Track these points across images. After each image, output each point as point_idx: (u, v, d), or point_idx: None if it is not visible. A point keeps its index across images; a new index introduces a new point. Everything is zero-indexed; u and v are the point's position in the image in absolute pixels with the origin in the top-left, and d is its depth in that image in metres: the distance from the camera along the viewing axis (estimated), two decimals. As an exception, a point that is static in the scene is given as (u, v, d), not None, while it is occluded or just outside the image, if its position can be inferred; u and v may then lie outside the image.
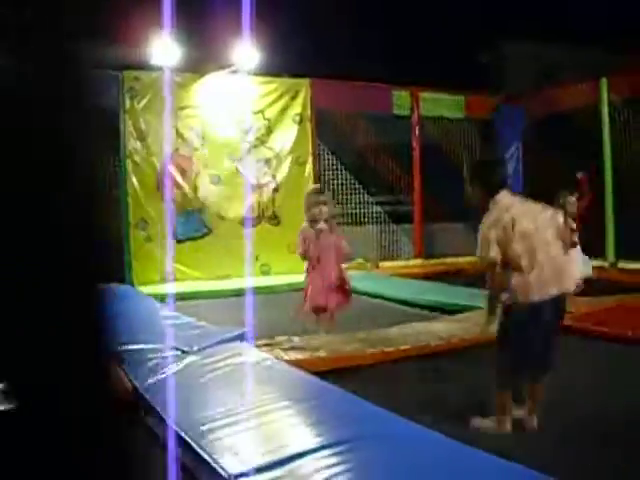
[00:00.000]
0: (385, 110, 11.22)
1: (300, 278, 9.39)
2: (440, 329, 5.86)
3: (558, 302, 3.81)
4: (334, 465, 2.72)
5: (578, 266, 7.18)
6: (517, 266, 3.69)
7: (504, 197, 3.80)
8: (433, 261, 11.08)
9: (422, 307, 7.33)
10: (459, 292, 7.65)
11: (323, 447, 2.90)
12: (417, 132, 11.37)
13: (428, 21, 10.57)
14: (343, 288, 5.94)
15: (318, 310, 5.84)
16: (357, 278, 9.43)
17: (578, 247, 7.08)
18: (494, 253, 3.70)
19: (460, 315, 6.42)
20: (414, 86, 11.10)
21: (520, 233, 3.70)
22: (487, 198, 3.82)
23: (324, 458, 2.79)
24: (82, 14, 1.44)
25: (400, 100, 11.21)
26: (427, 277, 9.47)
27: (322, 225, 5.92)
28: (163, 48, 8.42)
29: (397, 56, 10.32)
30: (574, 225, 6.81)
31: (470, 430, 3.62)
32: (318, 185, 7.35)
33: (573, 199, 6.93)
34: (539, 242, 3.75)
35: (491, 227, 3.71)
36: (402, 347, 5.27)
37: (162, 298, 7.37)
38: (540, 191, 4.64)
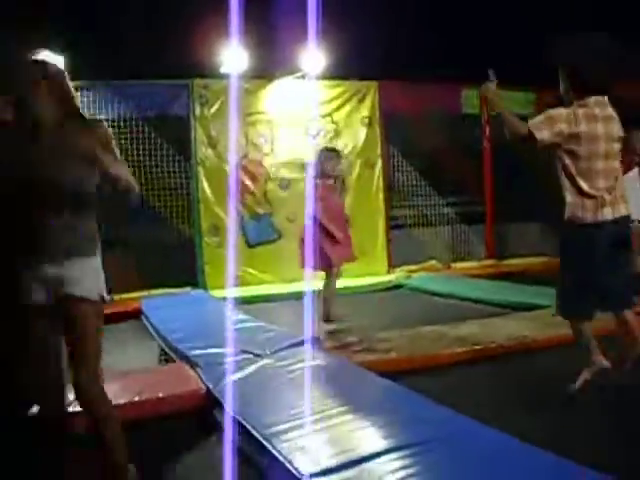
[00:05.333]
0: (454, 109, 11.10)
1: (371, 280, 9.47)
2: (512, 328, 5.76)
3: (618, 228, 3.52)
4: (405, 467, 2.71)
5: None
6: (573, 182, 3.40)
7: (597, 104, 3.54)
8: (505, 262, 10.91)
9: (493, 305, 7.25)
10: (530, 291, 7.53)
11: (394, 449, 2.89)
12: (487, 131, 11.23)
13: (496, 17, 10.43)
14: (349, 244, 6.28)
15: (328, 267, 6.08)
16: (429, 279, 9.40)
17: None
18: (544, 137, 3.44)
19: (531, 313, 6.34)
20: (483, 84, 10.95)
21: (587, 152, 3.39)
22: (578, 94, 3.55)
23: (395, 460, 2.79)
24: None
25: (469, 99, 11.07)
26: (499, 277, 9.33)
27: (331, 181, 6.12)
28: (232, 55, 8.52)
29: (465, 54, 10.19)
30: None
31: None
32: (332, 146, 7.42)
33: None
34: (604, 166, 3.50)
35: (565, 123, 3.41)
36: (475, 347, 5.20)
37: (234, 302, 7.46)
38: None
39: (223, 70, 8.82)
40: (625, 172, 7.10)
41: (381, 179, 10.38)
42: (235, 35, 7.35)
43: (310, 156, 9.62)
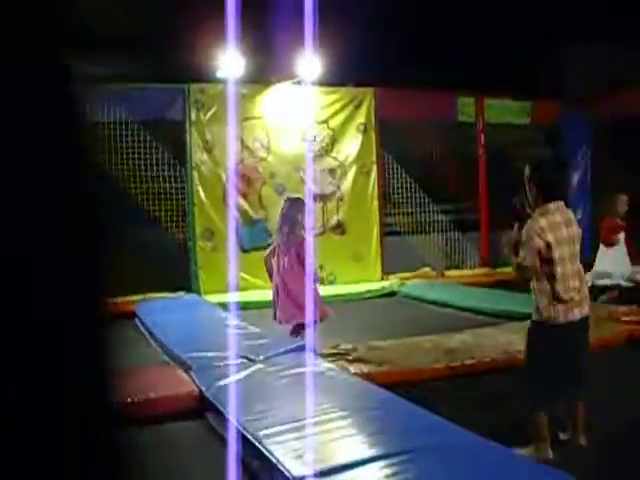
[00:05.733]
0: (450, 117, 11.14)
1: (367, 287, 9.48)
2: (505, 340, 5.76)
3: (583, 326, 3.79)
4: (396, 474, 2.72)
5: (621, 266, 7.14)
6: (550, 286, 3.67)
7: (557, 210, 3.78)
8: (499, 270, 10.92)
9: (487, 314, 7.25)
10: (524, 300, 7.52)
11: (384, 456, 2.90)
12: (482, 139, 11.25)
13: (492, 27, 10.46)
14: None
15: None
16: (422, 287, 9.41)
17: (624, 247, 7.00)
18: (529, 262, 3.70)
19: (524, 323, 6.33)
20: (479, 92, 11.00)
21: (559, 258, 3.69)
22: (540, 201, 3.79)
23: (385, 467, 2.79)
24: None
25: (465, 107, 11.11)
26: (493, 286, 9.34)
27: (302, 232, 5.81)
28: (228, 60, 8.53)
29: (461, 62, 10.22)
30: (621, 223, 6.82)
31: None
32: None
33: (624, 198, 6.89)
34: (571, 269, 3.76)
35: (536, 236, 3.69)
36: (467, 362, 5.21)
37: (228, 307, 7.46)
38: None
39: (219, 75, 8.83)
40: (607, 236, 7.30)
41: (376, 186, 10.39)
42: (232, 40, 7.36)
43: (306, 162, 9.66)
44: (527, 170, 3.94)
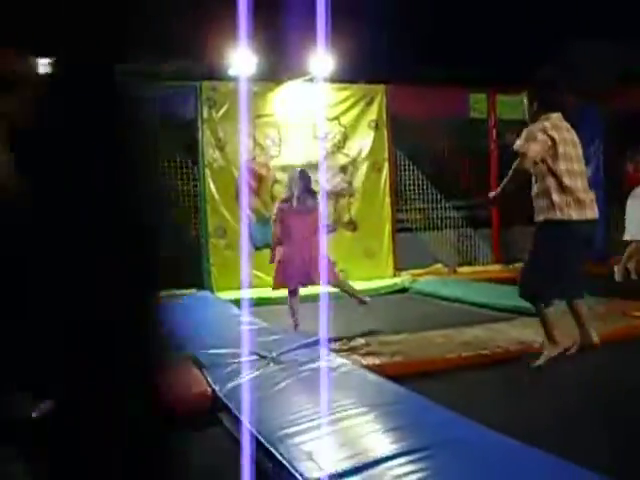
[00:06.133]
0: (461, 114, 11.12)
1: (379, 283, 9.48)
2: (518, 333, 5.76)
3: (591, 228, 3.98)
4: (412, 472, 2.71)
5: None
6: (559, 182, 3.75)
7: (558, 118, 3.98)
8: (512, 266, 10.89)
9: (500, 310, 7.24)
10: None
11: (401, 454, 2.89)
12: (494, 135, 11.23)
13: (503, 22, 10.43)
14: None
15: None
16: (435, 283, 9.41)
17: None
18: (536, 150, 3.78)
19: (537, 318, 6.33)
20: (491, 88, 10.97)
21: (564, 154, 3.78)
22: (542, 113, 3.92)
23: (402, 465, 2.79)
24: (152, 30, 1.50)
25: (477, 103, 11.08)
26: (505, 282, 9.31)
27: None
28: (240, 58, 8.55)
29: (473, 59, 10.20)
30: None
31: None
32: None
33: None
34: (578, 168, 3.94)
35: (540, 132, 3.78)
36: (481, 352, 5.22)
37: (240, 304, 7.48)
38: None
39: (231, 72, 8.85)
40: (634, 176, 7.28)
41: (388, 182, 10.39)
42: (244, 38, 7.36)
43: (318, 159, 9.67)
44: (526, 94, 4.11)
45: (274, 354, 4.88)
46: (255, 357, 4.83)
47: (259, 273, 9.22)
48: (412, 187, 10.89)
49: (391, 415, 3.49)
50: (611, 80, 10.67)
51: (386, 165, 10.39)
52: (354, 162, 10.17)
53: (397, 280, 9.82)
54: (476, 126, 11.43)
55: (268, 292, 8.82)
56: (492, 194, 4.36)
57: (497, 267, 10.94)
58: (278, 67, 9.49)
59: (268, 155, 9.65)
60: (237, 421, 3.66)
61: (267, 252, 9.45)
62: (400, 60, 9.92)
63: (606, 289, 7.42)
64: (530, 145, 3.77)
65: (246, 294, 8.11)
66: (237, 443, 3.49)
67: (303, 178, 6.42)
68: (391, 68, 10.01)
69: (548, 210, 3.87)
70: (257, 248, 9.44)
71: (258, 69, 8.81)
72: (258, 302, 8.00)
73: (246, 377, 4.37)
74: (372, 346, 5.46)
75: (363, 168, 10.24)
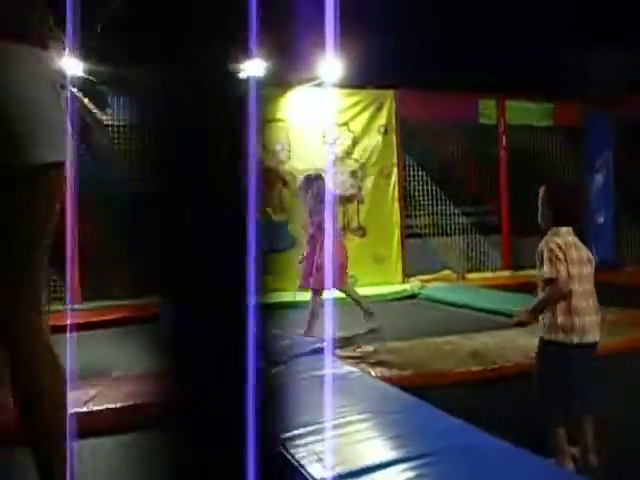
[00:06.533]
0: (471, 119, 11.10)
1: (388, 289, 9.45)
2: (526, 342, 5.72)
3: (592, 351, 3.80)
4: (416, 478, 2.70)
5: None
6: (568, 303, 3.69)
7: (569, 234, 3.85)
8: (521, 272, 10.85)
9: (509, 317, 7.19)
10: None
11: (406, 459, 2.88)
12: (504, 141, 11.20)
13: (514, 29, 10.41)
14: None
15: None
16: (444, 289, 9.38)
17: None
18: (565, 272, 3.73)
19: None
20: (500, 94, 10.95)
21: (577, 275, 3.75)
22: (551, 224, 3.85)
23: (406, 470, 2.77)
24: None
25: (486, 109, 11.07)
26: (515, 289, 9.28)
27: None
28: (249, 63, 8.54)
29: (483, 64, 10.18)
30: None
31: None
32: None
33: None
34: (590, 288, 3.83)
35: (559, 248, 3.74)
36: (490, 367, 5.17)
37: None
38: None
39: (240, 77, 8.85)
40: None
41: (397, 188, 10.38)
42: (253, 42, 7.37)
43: (327, 165, 9.67)
44: (541, 193, 4.03)
45: (282, 359, 4.85)
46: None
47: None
48: (421, 193, 10.86)
49: (397, 421, 3.47)
50: (621, 88, 10.64)
51: (395, 171, 10.38)
52: (363, 167, 10.17)
53: (406, 286, 9.79)
54: (485, 132, 11.40)
55: (274, 296, 8.84)
56: (524, 318, 4.22)
57: (506, 274, 10.90)
58: (287, 72, 9.49)
59: (277, 160, 9.65)
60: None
61: (275, 256, 9.49)
62: (409, 65, 9.90)
63: (619, 298, 7.36)
64: (560, 267, 3.77)
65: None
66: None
67: (308, 184, 6.42)
68: (400, 73, 9.99)
69: (551, 330, 3.85)
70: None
71: (267, 74, 8.80)
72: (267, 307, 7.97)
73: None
74: (379, 354, 5.43)
75: (372, 174, 10.23)
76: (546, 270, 3.78)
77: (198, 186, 1.35)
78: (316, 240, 6.27)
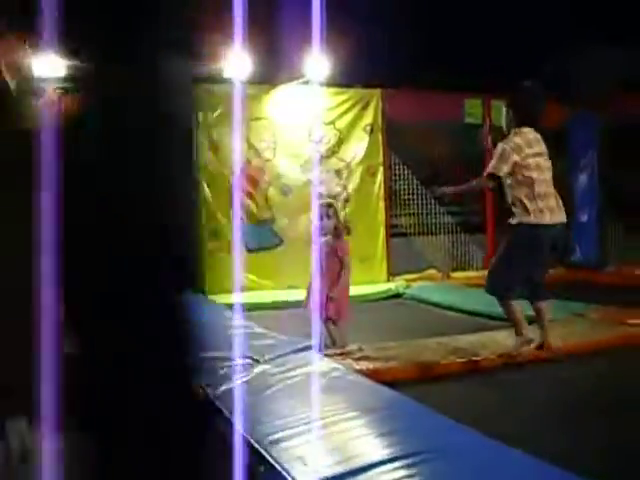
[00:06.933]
0: (456, 119, 11.12)
1: (373, 288, 9.45)
2: (511, 342, 5.74)
3: (560, 231, 4.40)
4: (405, 477, 2.69)
5: None
6: (530, 190, 4.33)
7: (530, 132, 4.38)
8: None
9: (493, 318, 7.21)
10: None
11: (393, 459, 2.87)
12: (489, 141, 11.22)
13: (499, 27, 10.44)
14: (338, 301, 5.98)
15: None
16: (428, 289, 9.39)
17: None
18: (505, 171, 4.14)
19: (530, 326, 6.32)
20: (486, 94, 10.97)
21: (536, 165, 4.34)
22: (514, 125, 4.30)
23: (394, 470, 2.76)
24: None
25: (472, 109, 11.09)
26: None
27: (327, 238, 6.06)
28: (235, 60, 8.52)
29: (468, 64, 10.19)
30: None
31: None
32: (329, 200, 7.30)
33: None
34: (548, 177, 4.39)
35: (513, 150, 4.18)
36: (474, 358, 5.19)
37: (233, 307, 7.44)
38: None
39: (226, 75, 8.81)
40: None
41: (382, 187, 10.38)
42: (239, 40, 7.34)
43: (313, 163, 9.65)
44: (508, 98, 4.58)
45: (267, 358, 4.84)
46: (247, 360, 4.79)
47: (252, 276, 9.21)
48: (406, 192, 10.86)
49: (384, 420, 3.46)
50: (608, 87, 10.68)
51: (381, 169, 10.38)
52: (349, 166, 10.15)
53: (391, 285, 9.79)
54: (471, 131, 11.42)
55: (261, 295, 8.83)
56: (445, 189, 4.83)
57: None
58: (273, 70, 9.47)
59: (263, 158, 9.63)
60: (230, 424, 3.62)
61: (261, 255, 9.49)
62: (396, 64, 9.90)
63: (603, 297, 7.41)
64: (502, 166, 4.21)
65: (239, 297, 8.08)
66: (229, 447, 3.45)
67: (328, 210, 6.26)
68: (387, 72, 9.99)
69: (522, 215, 4.28)
70: (250, 251, 9.44)
71: (253, 71, 8.78)
72: (251, 306, 7.98)
73: (239, 381, 4.33)
74: (364, 351, 5.44)
75: (358, 172, 10.22)
76: (491, 164, 4.19)
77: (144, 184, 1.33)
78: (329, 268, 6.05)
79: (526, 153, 4.32)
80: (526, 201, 4.32)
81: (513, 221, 4.44)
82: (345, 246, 6.18)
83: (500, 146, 4.42)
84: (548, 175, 4.42)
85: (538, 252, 4.33)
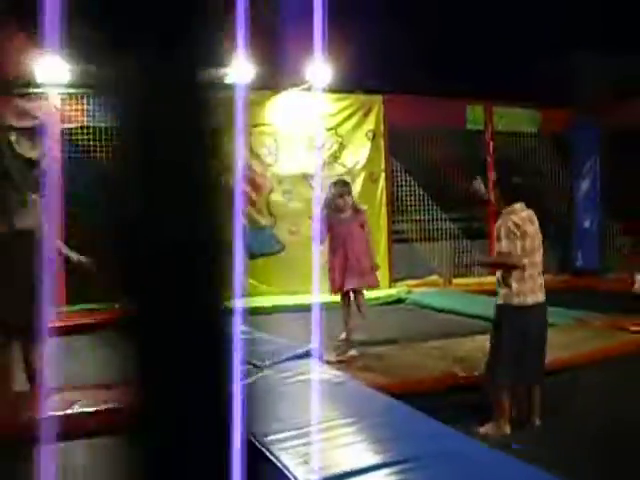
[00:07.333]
0: (458, 125, 11.12)
1: (375, 294, 9.43)
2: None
3: (543, 310, 4.30)
4: (401, 481, 2.70)
5: None
6: (522, 273, 4.19)
7: (520, 209, 4.29)
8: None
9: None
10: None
11: (389, 464, 2.88)
12: (491, 147, 11.22)
13: (502, 35, 10.46)
14: (368, 270, 6.31)
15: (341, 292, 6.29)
16: (431, 294, 9.37)
17: None
18: (518, 249, 4.19)
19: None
20: (488, 100, 10.97)
21: (530, 248, 4.22)
22: (505, 204, 4.35)
23: (390, 474, 2.78)
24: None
25: (473, 115, 11.09)
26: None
27: (347, 214, 6.30)
28: (237, 66, 8.53)
29: (471, 70, 10.21)
30: None
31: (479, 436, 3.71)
32: (342, 177, 7.77)
33: None
34: (538, 259, 4.29)
35: (512, 230, 4.06)
36: (476, 373, 5.16)
37: (235, 312, 7.43)
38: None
39: (228, 81, 8.83)
40: None
41: (384, 193, 10.38)
42: (241, 46, 7.37)
43: (315, 169, 9.66)
44: (494, 175, 4.52)
45: (267, 363, 4.85)
46: (248, 366, 4.79)
47: (253, 281, 9.20)
48: (409, 198, 10.85)
49: (381, 425, 3.47)
50: (608, 95, 10.69)
51: (383, 176, 10.39)
52: (351, 172, 10.14)
53: (393, 291, 9.78)
54: (472, 137, 11.42)
55: (262, 301, 8.81)
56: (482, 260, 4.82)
57: (493, 279, 10.85)
58: (275, 76, 9.48)
59: (264, 164, 9.63)
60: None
61: (262, 261, 9.48)
62: (398, 71, 9.92)
63: (604, 303, 7.41)
64: (516, 243, 4.19)
65: (240, 302, 8.07)
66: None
67: (334, 188, 6.48)
68: (389, 79, 10.01)
69: (506, 296, 4.25)
70: (251, 257, 9.44)
71: (255, 77, 8.80)
72: (252, 311, 7.96)
73: (239, 385, 4.32)
74: (365, 358, 5.44)
75: (360, 178, 10.22)
76: (504, 245, 4.11)
77: (176, 190, 1.35)
78: (339, 243, 6.19)
79: (526, 231, 4.27)
80: (514, 283, 4.24)
81: (499, 302, 4.36)
82: (366, 218, 6.51)
83: (500, 225, 4.29)
84: (539, 257, 4.33)
85: (526, 336, 4.18)
